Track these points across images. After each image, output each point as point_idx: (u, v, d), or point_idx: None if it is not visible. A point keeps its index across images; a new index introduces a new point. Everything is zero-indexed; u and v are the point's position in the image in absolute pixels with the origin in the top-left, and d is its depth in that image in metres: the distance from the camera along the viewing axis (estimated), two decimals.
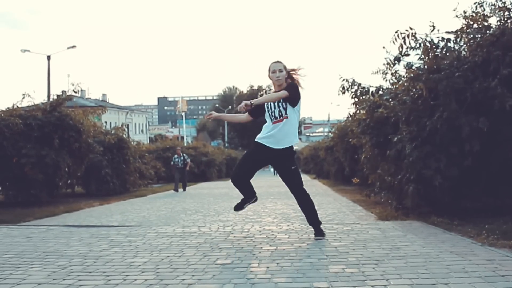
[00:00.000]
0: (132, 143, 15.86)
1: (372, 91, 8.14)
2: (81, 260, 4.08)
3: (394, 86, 7.50)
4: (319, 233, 4.90)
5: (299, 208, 5.11)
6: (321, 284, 3.11)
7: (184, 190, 15.74)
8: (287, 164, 4.92)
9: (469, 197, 6.75)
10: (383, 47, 7.15)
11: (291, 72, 4.96)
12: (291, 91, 4.76)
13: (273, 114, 4.85)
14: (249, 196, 5.09)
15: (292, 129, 4.84)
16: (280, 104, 4.82)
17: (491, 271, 3.28)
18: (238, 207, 5.13)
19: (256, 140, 4.95)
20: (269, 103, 4.89)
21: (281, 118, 4.80)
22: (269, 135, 4.84)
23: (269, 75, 4.91)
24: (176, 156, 16.16)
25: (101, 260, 4.06)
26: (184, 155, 16.42)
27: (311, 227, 5.02)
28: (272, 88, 5.06)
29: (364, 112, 7.68)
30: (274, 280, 3.25)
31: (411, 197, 6.04)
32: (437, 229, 5.27)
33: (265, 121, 4.99)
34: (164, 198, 12.56)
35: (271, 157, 4.94)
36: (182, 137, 57.08)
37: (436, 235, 4.87)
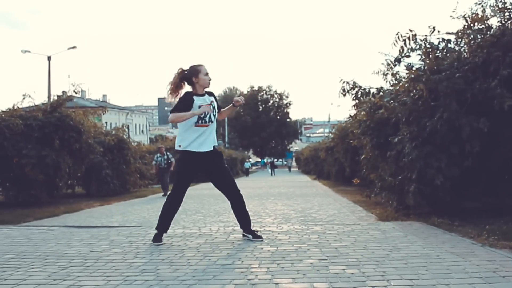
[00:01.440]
0: (133, 143, 15.89)
1: (373, 92, 8.15)
2: (81, 261, 4.08)
3: (395, 87, 7.51)
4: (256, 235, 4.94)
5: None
6: (322, 285, 3.11)
7: (165, 194, 13.43)
8: (222, 163, 4.98)
9: (470, 198, 6.76)
10: (381, 53, 7.19)
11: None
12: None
13: (203, 117, 4.80)
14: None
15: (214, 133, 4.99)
16: (212, 109, 4.87)
17: (492, 272, 3.28)
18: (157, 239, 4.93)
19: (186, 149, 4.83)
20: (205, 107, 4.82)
21: (210, 122, 4.85)
22: (197, 139, 4.80)
23: (199, 77, 4.80)
24: (158, 155, 14.43)
25: (102, 261, 4.06)
26: (168, 154, 14.53)
27: (311, 228, 5.02)
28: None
29: (365, 113, 7.68)
30: (275, 280, 3.25)
31: (412, 196, 6.04)
32: (437, 230, 5.27)
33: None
34: (164, 198, 12.52)
35: (205, 161, 4.87)
36: None
37: (437, 236, 4.87)
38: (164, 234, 5.02)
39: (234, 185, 4.98)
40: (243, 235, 5.02)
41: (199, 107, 4.76)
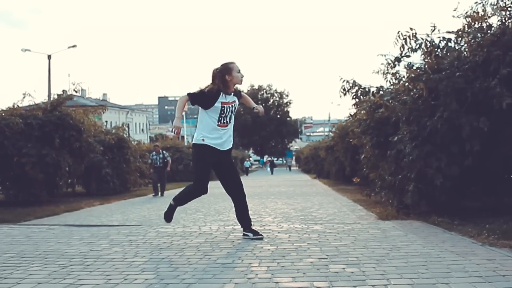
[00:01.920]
0: (133, 142, 15.88)
1: (373, 92, 8.15)
2: (81, 260, 4.08)
3: (395, 87, 7.51)
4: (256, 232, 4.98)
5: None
6: (322, 284, 3.11)
7: (162, 194, 13.29)
8: (230, 161, 5.06)
9: (470, 197, 6.76)
10: (381, 54, 7.20)
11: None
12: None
13: (224, 118, 4.84)
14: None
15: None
16: (233, 111, 4.91)
17: (492, 271, 3.28)
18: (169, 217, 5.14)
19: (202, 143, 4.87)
20: (228, 109, 4.85)
21: (229, 122, 4.90)
22: (217, 138, 4.85)
23: (232, 74, 4.82)
24: (154, 153, 13.72)
25: (102, 260, 4.06)
26: (165, 152, 13.89)
27: (311, 227, 5.02)
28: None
29: (365, 112, 7.68)
30: (275, 279, 3.25)
31: (412, 196, 6.04)
32: (437, 229, 5.27)
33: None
34: (165, 197, 12.56)
35: (218, 158, 4.91)
36: (183, 137, 57.13)
37: (437, 235, 4.87)
38: (165, 234, 5.02)
39: (238, 184, 5.05)
40: (244, 234, 5.01)
41: (221, 104, 4.79)
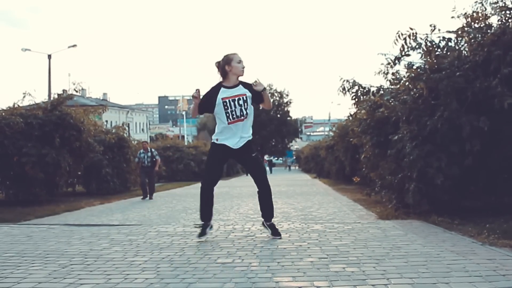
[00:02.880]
0: (133, 142, 15.87)
1: (373, 91, 8.15)
2: (81, 259, 4.08)
3: (395, 86, 7.51)
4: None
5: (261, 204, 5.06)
6: (322, 283, 3.11)
7: (151, 197, 11.84)
8: (249, 154, 4.92)
9: (470, 196, 6.76)
10: (381, 53, 7.20)
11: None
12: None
13: (232, 113, 4.74)
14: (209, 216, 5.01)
15: (250, 125, 4.87)
16: (243, 104, 4.75)
17: (492, 270, 3.28)
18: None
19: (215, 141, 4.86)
20: (232, 103, 4.73)
21: (242, 117, 4.77)
22: (230, 136, 4.78)
23: (232, 65, 4.74)
24: (141, 151, 12.32)
25: (102, 259, 4.06)
26: (153, 150, 12.46)
27: (311, 226, 5.02)
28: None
29: (365, 112, 7.68)
30: (275, 279, 3.25)
31: (412, 196, 6.04)
32: (437, 228, 5.27)
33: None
34: (165, 197, 12.56)
35: (235, 154, 4.89)
36: (183, 136, 57.14)
37: (437, 234, 4.88)
38: (165, 233, 5.02)
39: (260, 178, 4.94)
40: (263, 223, 5.03)
41: (223, 100, 4.71)
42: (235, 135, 4.78)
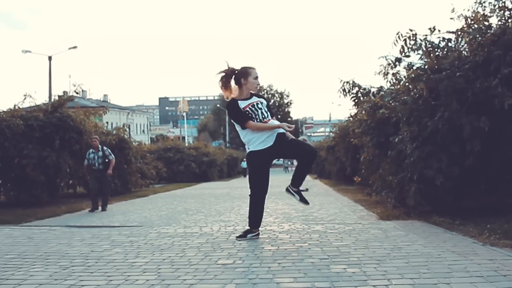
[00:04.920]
0: (134, 143, 15.87)
1: (373, 92, 8.15)
2: (82, 261, 4.08)
3: (395, 87, 7.51)
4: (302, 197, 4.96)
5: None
6: (323, 284, 3.11)
7: (104, 208, 9.30)
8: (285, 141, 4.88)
9: (471, 197, 6.76)
10: (381, 57, 7.20)
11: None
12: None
13: (257, 116, 4.80)
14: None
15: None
16: (262, 107, 4.84)
17: (493, 271, 3.28)
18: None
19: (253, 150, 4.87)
20: (253, 108, 4.78)
21: (265, 119, 4.81)
22: (260, 136, 4.80)
23: (248, 79, 4.78)
24: (91, 150, 9.48)
25: (103, 261, 4.07)
26: (106, 149, 9.69)
27: (312, 227, 5.01)
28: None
29: (365, 112, 7.69)
30: (276, 280, 3.25)
31: (413, 197, 6.04)
32: (438, 229, 5.27)
33: None
34: (166, 198, 12.56)
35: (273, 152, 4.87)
36: (184, 137, 57.18)
37: (438, 235, 4.87)
38: (166, 235, 5.02)
39: (302, 148, 4.87)
40: (288, 189, 4.99)
41: (243, 109, 4.77)
42: (266, 133, 4.78)
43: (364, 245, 4.44)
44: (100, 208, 9.33)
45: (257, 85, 4.85)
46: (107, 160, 9.53)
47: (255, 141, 4.83)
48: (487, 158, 5.93)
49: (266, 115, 4.83)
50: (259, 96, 4.95)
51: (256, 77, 4.83)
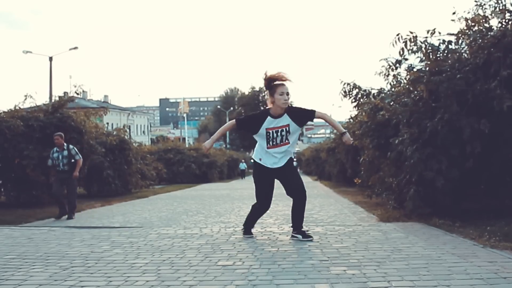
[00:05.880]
0: (134, 144, 15.88)
1: (374, 94, 8.16)
2: (82, 261, 4.08)
3: (395, 89, 7.52)
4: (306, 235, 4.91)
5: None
6: (323, 286, 3.11)
7: (70, 216, 8.02)
8: (290, 167, 4.96)
9: (471, 199, 6.75)
10: (383, 59, 7.20)
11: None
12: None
13: (273, 140, 4.79)
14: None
15: (289, 148, 4.88)
16: (285, 134, 4.77)
17: (493, 273, 3.28)
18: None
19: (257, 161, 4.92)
20: (275, 134, 4.76)
21: (281, 144, 4.81)
22: (270, 158, 4.84)
23: (274, 96, 4.69)
24: (55, 149, 8.39)
25: (103, 261, 4.07)
26: (72, 147, 8.50)
27: (312, 228, 5.02)
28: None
29: (365, 114, 7.69)
30: (276, 281, 3.25)
31: (412, 199, 6.04)
32: (438, 231, 5.27)
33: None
34: (166, 199, 12.56)
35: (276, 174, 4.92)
36: (184, 138, 57.23)
37: (438, 237, 4.87)
38: (166, 236, 5.02)
39: (298, 187, 4.92)
40: (292, 236, 4.97)
41: (267, 130, 4.75)
42: (272, 157, 4.82)
43: (364, 247, 4.44)
44: (67, 215, 8.06)
45: (284, 101, 4.70)
46: (73, 161, 8.35)
47: (256, 153, 4.94)
48: (487, 160, 5.93)
49: (284, 141, 4.78)
50: (293, 116, 4.77)
51: (282, 93, 4.68)
